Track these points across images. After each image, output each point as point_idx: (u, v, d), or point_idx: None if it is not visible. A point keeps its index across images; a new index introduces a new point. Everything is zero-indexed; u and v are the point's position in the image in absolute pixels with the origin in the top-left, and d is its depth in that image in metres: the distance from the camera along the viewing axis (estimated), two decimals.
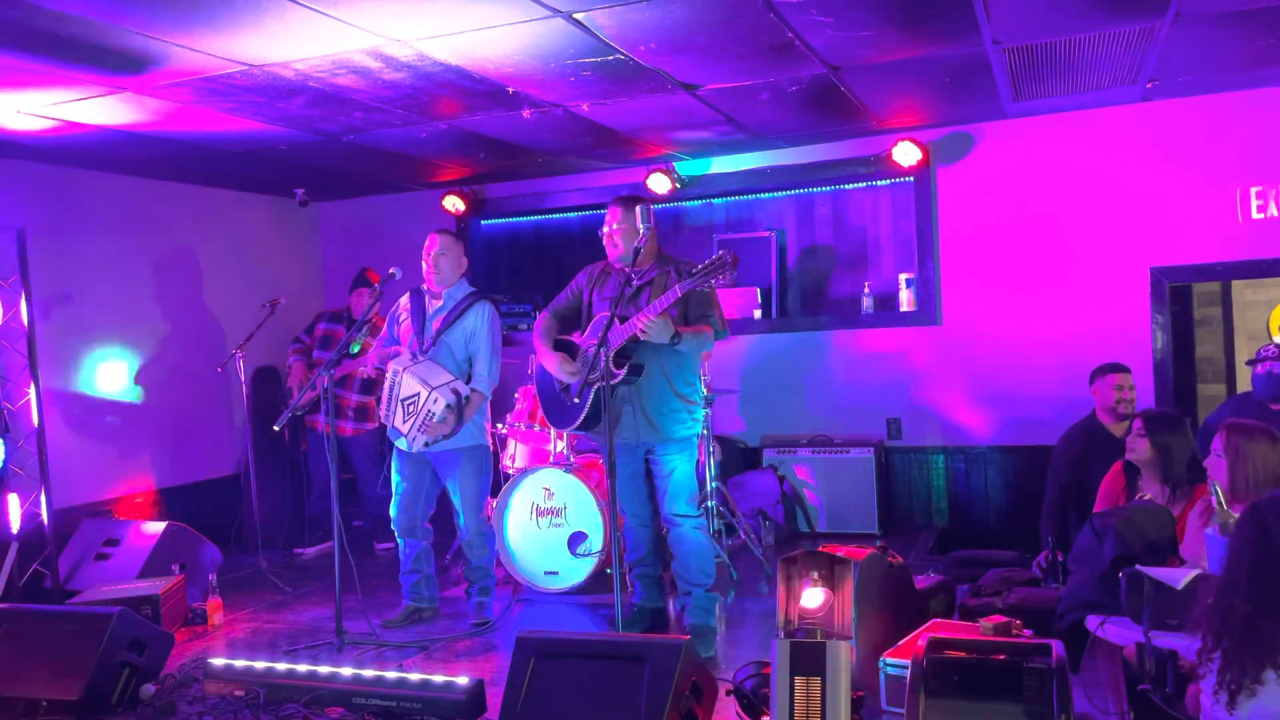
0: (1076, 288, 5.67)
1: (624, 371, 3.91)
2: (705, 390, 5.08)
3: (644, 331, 3.77)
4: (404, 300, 4.71)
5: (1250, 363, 4.67)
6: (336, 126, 5.07)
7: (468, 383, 4.39)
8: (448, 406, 4.23)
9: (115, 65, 3.90)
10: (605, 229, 4.16)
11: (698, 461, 4.26)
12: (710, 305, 4.06)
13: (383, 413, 4.49)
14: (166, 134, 5.02)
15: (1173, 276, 5.53)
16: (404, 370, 4.36)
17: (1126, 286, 5.56)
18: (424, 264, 4.52)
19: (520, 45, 3.91)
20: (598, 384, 3.91)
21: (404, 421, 4.35)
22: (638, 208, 4.02)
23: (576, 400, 4.13)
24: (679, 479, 4.11)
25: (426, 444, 4.33)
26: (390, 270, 4.48)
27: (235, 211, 6.89)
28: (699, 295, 3.97)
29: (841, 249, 6.49)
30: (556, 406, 4.29)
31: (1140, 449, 3.77)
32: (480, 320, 4.49)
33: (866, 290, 6.21)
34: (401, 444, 4.56)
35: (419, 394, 4.28)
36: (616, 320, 3.89)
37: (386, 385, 4.45)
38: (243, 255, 6.92)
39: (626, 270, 3.97)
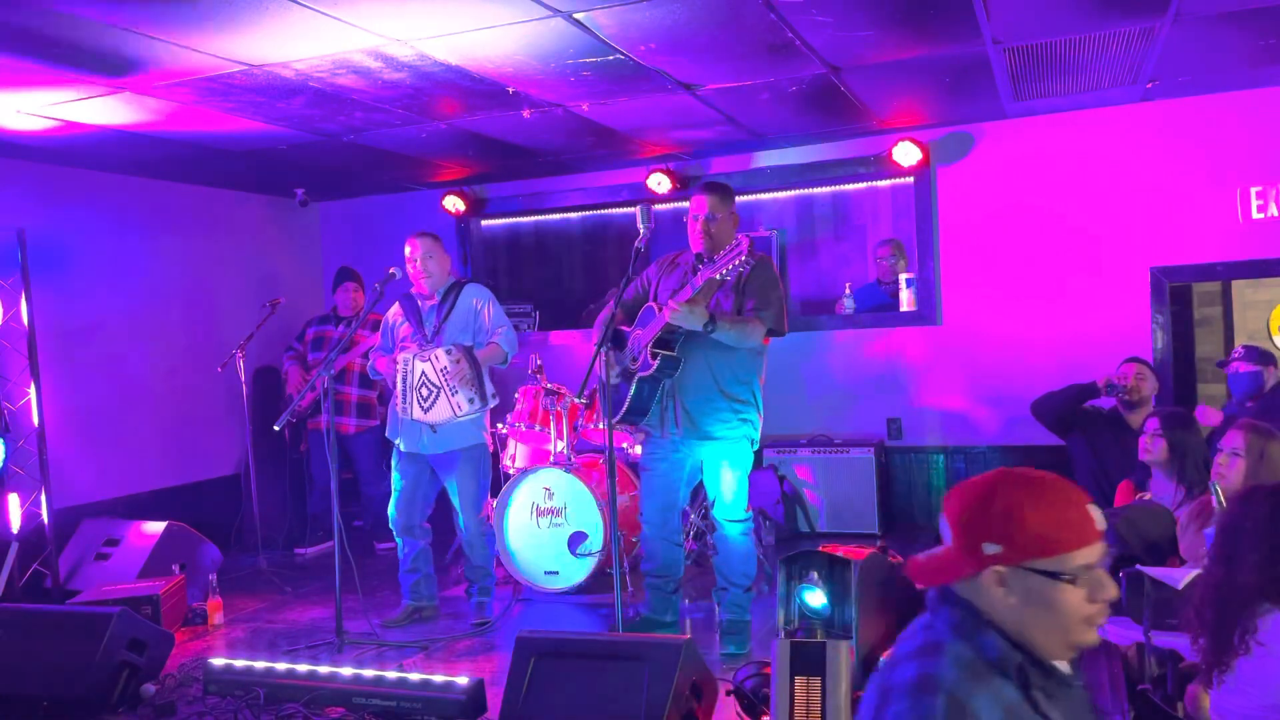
0: (1077, 288, 5.67)
1: (657, 363, 3.84)
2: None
3: (672, 317, 3.71)
4: (394, 309, 4.71)
5: (1221, 364, 4.67)
6: (336, 126, 5.07)
7: None
8: (447, 352, 4.29)
9: (115, 65, 3.89)
10: (691, 218, 3.98)
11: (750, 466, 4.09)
12: (768, 299, 3.90)
13: (399, 407, 4.45)
14: (166, 134, 5.02)
15: (1173, 276, 5.52)
16: (413, 358, 4.38)
17: (1126, 286, 5.56)
18: (409, 269, 4.52)
19: (520, 45, 3.91)
20: (637, 374, 3.90)
21: (423, 410, 4.34)
22: (711, 198, 3.93)
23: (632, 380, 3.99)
24: (725, 483, 4.00)
25: (457, 411, 4.31)
26: (390, 270, 4.47)
27: (235, 211, 6.89)
28: (758, 286, 3.87)
29: (842, 249, 6.48)
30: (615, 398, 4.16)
31: (1156, 449, 3.69)
32: (480, 299, 4.56)
33: None
34: (401, 444, 4.57)
35: (424, 370, 4.32)
36: (655, 308, 3.87)
37: (399, 378, 4.42)
38: (243, 255, 6.91)
39: (693, 261, 3.94)
